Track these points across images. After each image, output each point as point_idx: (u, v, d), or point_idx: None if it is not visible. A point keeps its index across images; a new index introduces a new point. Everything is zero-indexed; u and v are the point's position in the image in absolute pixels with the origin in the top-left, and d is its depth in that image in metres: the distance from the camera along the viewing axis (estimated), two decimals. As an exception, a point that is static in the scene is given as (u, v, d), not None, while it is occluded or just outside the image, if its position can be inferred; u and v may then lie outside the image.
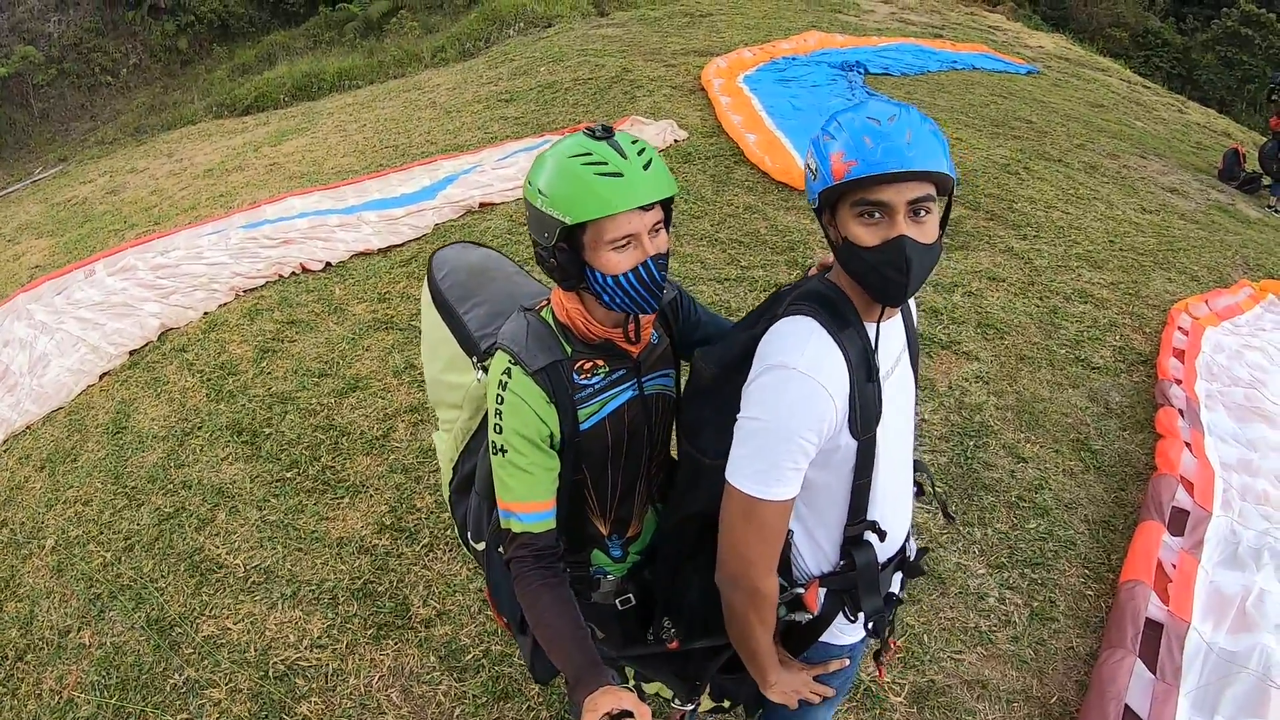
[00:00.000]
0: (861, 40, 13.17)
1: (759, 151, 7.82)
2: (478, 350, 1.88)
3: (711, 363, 1.65)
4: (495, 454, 1.64)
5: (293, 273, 6.26)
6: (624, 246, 1.51)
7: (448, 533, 3.73)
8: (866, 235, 1.42)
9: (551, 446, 1.65)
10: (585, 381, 1.66)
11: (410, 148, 9.61)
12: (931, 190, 1.42)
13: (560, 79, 10.97)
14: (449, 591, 3.45)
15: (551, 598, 1.62)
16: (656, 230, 1.55)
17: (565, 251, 1.54)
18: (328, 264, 6.34)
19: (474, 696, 3.01)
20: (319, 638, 3.27)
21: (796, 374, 1.45)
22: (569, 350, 1.65)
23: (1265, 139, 9.96)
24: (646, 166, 1.50)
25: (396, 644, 3.24)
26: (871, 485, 1.60)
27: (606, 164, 1.48)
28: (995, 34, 15.46)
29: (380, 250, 6.53)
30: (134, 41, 19.19)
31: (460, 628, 3.29)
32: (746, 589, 1.57)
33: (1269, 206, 9.27)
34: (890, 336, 1.61)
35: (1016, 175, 7.86)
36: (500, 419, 1.62)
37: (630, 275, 1.52)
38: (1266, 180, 9.59)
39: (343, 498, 4.01)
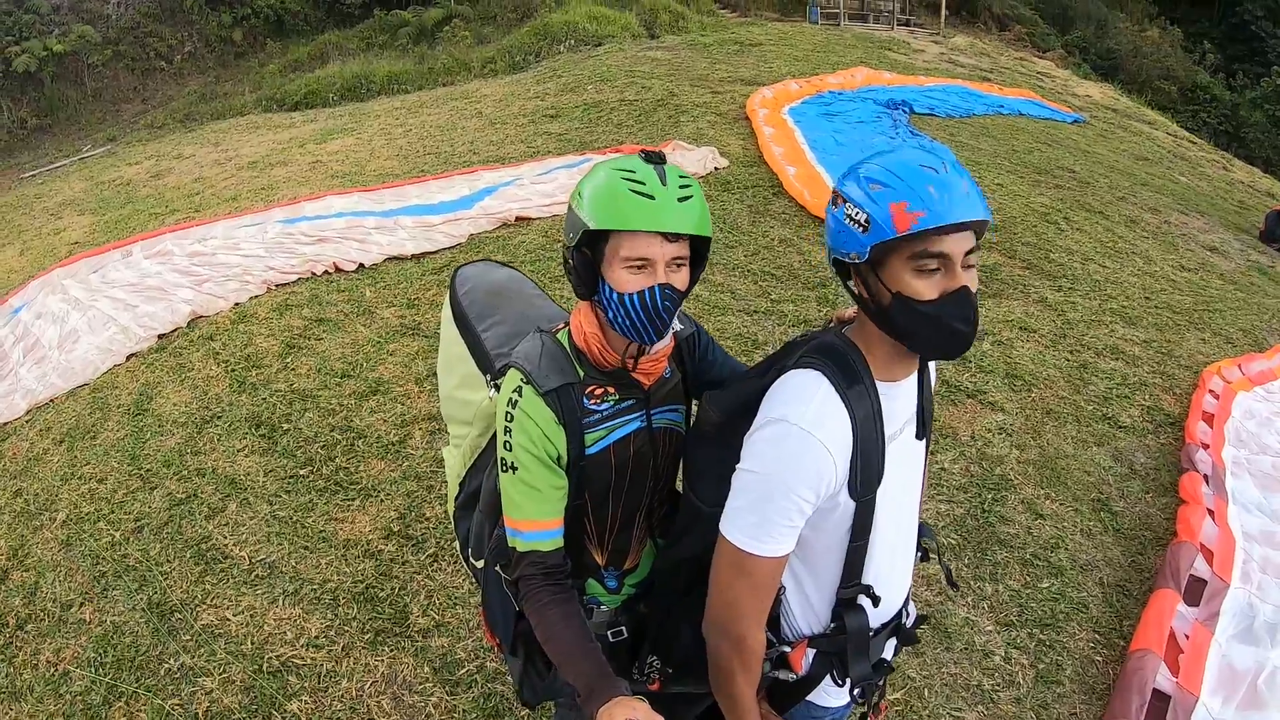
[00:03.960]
0: (909, 79, 13.19)
1: (799, 185, 7.82)
2: (492, 369, 1.89)
3: (718, 409, 1.62)
4: (505, 471, 1.64)
5: (325, 271, 6.31)
6: (638, 268, 1.53)
7: (453, 544, 3.70)
8: (926, 288, 1.37)
9: (559, 466, 1.65)
10: (595, 407, 1.66)
11: (453, 156, 9.70)
12: (975, 239, 1.39)
13: (606, 98, 11.04)
14: (449, 604, 3.44)
15: (561, 612, 1.61)
16: (677, 265, 1.56)
17: (584, 257, 1.58)
18: (360, 265, 6.39)
19: (464, 711, 2.99)
20: (316, 637, 3.27)
21: (798, 430, 1.42)
22: (581, 374, 1.66)
23: None
24: (682, 200, 1.52)
25: (392, 651, 3.23)
26: (869, 548, 1.56)
27: (644, 184, 1.50)
28: (1043, 80, 15.40)
29: (414, 256, 6.56)
30: (190, 30, 19.61)
31: (457, 640, 3.27)
32: (733, 641, 1.54)
33: None
34: (902, 397, 1.57)
35: (1056, 225, 7.80)
36: (510, 436, 1.63)
37: (635, 297, 1.53)
38: None
39: (353, 500, 4.02)
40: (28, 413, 5.08)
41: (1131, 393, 5.23)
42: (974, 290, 1.39)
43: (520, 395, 1.62)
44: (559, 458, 1.64)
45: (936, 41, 18.85)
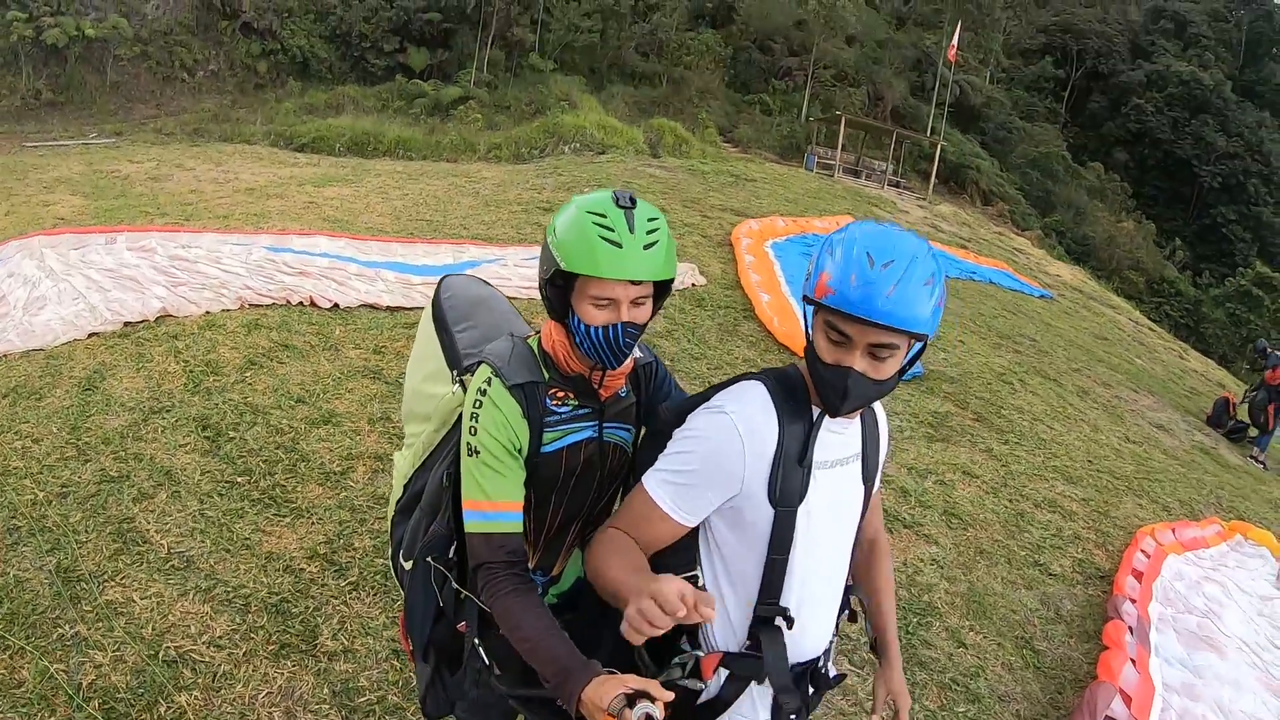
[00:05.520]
0: (891, 234, 13.74)
1: (770, 312, 8.12)
2: (460, 365, 1.97)
3: (673, 412, 1.75)
4: (469, 456, 1.70)
5: (300, 303, 6.35)
6: (604, 305, 1.64)
7: (377, 577, 3.65)
8: (826, 351, 1.55)
9: (520, 456, 1.71)
10: (555, 408, 1.75)
11: (444, 226, 9.90)
12: (898, 340, 1.50)
13: (600, 203, 11.38)
14: (361, 632, 3.34)
15: (525, 603, 1.64)
16: (639, 302, 1.67)
17: (557, 288, 1.69)
18: (335, 305, 6.43)
19: (357, 738, 2.88)
20: (220, 637, 3.16)
21: (729, 418, 1.60)
22: (546, 376, 1.75)
23: (1253, 389, 10.35)
24: (648, 247, 1.62)
25: (295, 667, 3.12)
26: (787, 568, 1.63)
27: (613, 231, 1.60)
28: (1018, 256, 16.19)
29: (389, 308, 6.63)
30: (218, 50, 20.10)
31: (362, 669, 3.17)
32: (600, 580, 1.61)
33: (1251, 457, 9.57)
34: (841, 433, 1.69)
35: (1010, 385, 8.09)
36: (476, 421, 1.69)
37: (599, 330, 1.64)
38: (1253, 431, 9.91)
39: (284, 517, 3.94)
40: (-22, 361, 4.97)
41: (1065, 544, 5.35)
42: (881, 378, 1.53)
43: (490, 385, 1.70)
44: (520, 449, 1.70)
45: (922, 205, 19.85)
